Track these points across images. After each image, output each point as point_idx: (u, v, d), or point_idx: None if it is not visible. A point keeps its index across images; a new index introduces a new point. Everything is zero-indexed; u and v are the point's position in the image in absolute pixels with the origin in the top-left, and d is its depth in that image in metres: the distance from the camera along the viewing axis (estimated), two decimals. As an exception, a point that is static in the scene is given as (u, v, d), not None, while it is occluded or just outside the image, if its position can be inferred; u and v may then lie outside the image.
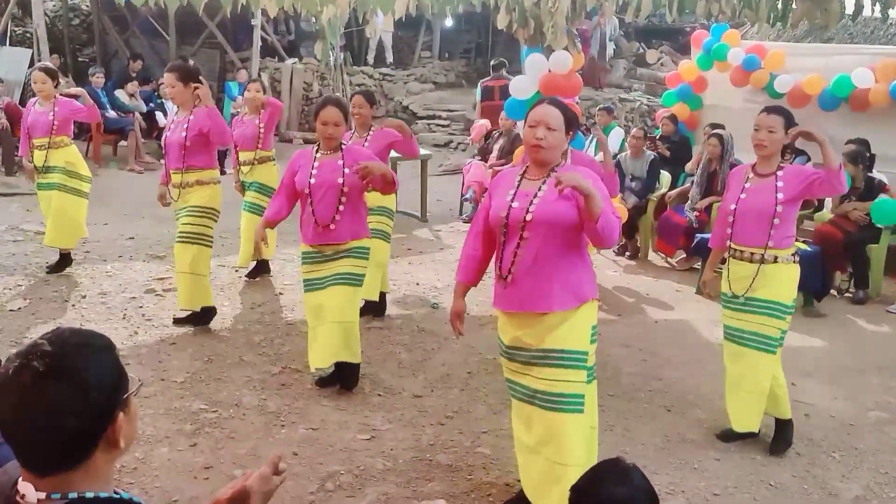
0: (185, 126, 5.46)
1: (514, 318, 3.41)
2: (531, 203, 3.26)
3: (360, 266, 4.72)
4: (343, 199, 4.53)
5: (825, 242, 6.93)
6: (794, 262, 4.21)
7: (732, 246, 4.27)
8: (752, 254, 4.19)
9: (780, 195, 4.09)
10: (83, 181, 6.77)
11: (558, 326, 3.30)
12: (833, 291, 7.16)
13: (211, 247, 5.71)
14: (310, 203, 4.55)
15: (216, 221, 5.69)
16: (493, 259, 3.54)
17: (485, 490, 3.86)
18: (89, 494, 1.37)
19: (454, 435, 4.40)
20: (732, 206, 4.23)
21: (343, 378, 4.84)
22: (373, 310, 6.11)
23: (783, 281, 4.19)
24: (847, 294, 7.27)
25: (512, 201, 3.32)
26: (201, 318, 5.73)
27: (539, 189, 3.29)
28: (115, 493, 1.43)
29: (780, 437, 4.37)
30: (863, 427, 4.72)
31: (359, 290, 4.78)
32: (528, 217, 3.23)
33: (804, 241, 6.86)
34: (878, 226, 7.14)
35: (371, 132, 5.91)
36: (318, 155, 4.62)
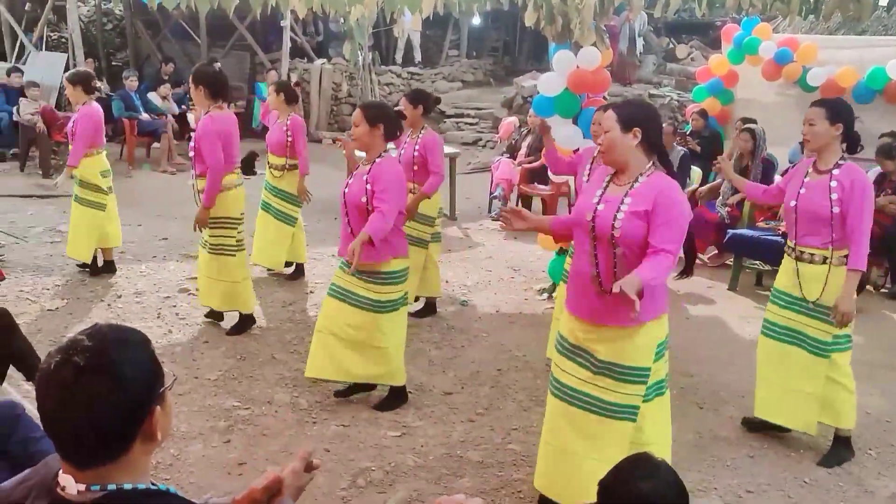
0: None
1: (579, 322, 3.34)
2: (616, 217, 3.15)
3: (397, 291, 4.48)
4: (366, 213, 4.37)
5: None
6: (845, 263, 3.95)
7: (797, 246, 4.07)
8: (812, 255, 4.02)
9: (833, 196, 3.88)
10: (99, 192, 6.71)
11: (629, 341, 3.23)
12: (869, 287, 7.06)
13: (233, 255, 5.59)
14: (346, 215, 4.45)
15: (235, 229, 5.56)
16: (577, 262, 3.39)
17: (515, 486, 3.86)
18: (127, 486, 1.40)
19: (484, 432, 4.41)
20: (793, 203, 4.04)
21: (386, 397, 4.70)
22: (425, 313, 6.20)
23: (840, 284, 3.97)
24: (883, 290, 7.16)
25: (598, 203, 3.23)
26: (246, 322, 5.77)
27: (622, 201, 3.17)
28: (152, 484, 1.46)
29: (833, 450, 4.22)
30: (899, 423, 4.66)
31: (394, 315, 4.52)
32: (616, 233, 3.14)
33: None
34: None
35: (421, 135, 5.78)
36: (361, 166, 4.48)
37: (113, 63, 16.23)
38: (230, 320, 5.81)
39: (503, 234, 9.03)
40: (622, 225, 3.13)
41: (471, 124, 15.47)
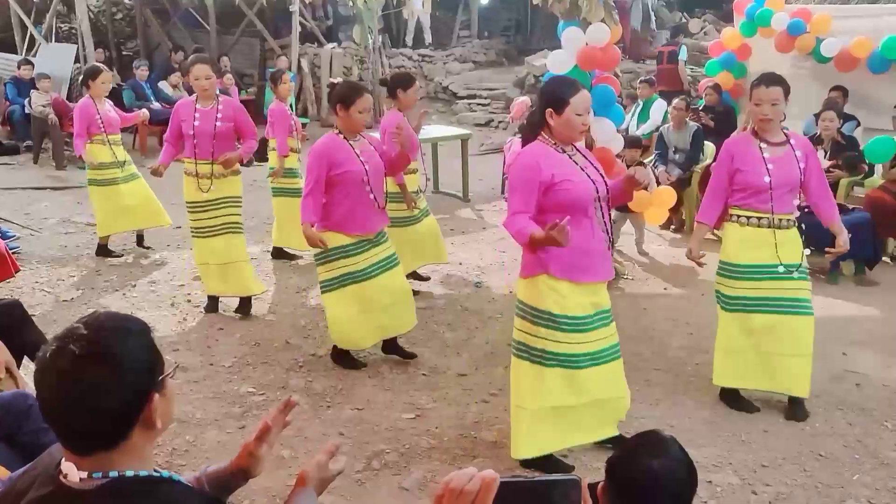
0: (217, 116, 5.47)
1: (592, 287, 3.66)
2: (600, 177, 3.61)
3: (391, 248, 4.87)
4: (384, 180, 4.78)
5: (876, 209, 6.74)
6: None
7: (777, 216, 4.19)
8: (788, 221, 4.24)
9: (801, 164, 4.19)
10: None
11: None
12: (886, 259, 6.99)
13: (243, 233, 5.89)
14: (369, 190, 4.58)
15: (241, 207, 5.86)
16: (584, 237, 3.54)
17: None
18: (129, 473, 1.40)
19: (499, 412, 4.40)
20: (767, 179, 4.14)
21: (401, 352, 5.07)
22: None
23: (799, 242, 4.29)
24: (900, 261, 7.09)
25: (590, 178, 3.56)
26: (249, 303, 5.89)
27: (586, 164, 3.61)
28: (155, 471, 1.46)
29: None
30: (917, 396, 4.62)
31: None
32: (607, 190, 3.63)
33: (853, 208, 6.72)
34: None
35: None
36: (352, 143, 4.61)
37: (123, 53, 16.26)
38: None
39: (516, 215, 9.00)
40: (608, 183, 3.66)
41: (483, 105, 15.39)
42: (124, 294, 6.20)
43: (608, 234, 3.65)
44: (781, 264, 4.19)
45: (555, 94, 3.48)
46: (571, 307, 3.58)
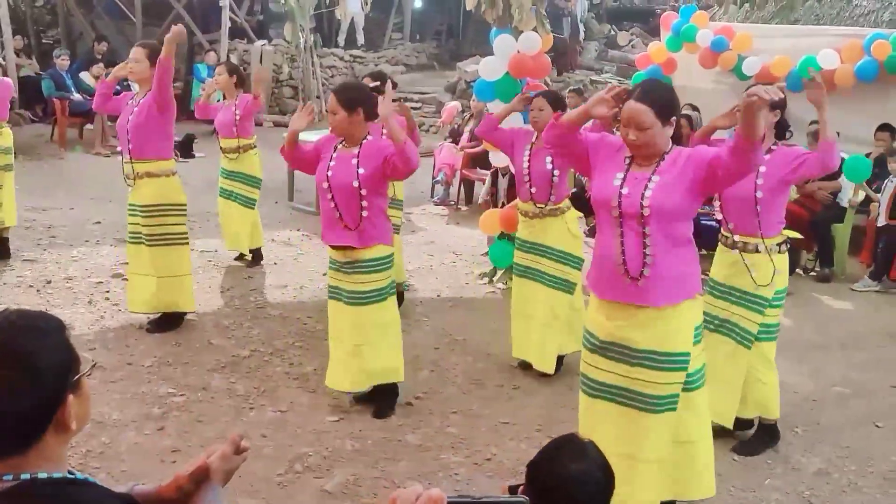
0: (134, 110, 5.03)
1: (619, 310, 3.19)
2: (644, 192, 3.06)
3: (381, 279, 4.27)
4: (364, 204, 4.10)
5: (791, 222, 6.98)
6: (779, 251, 4.00)
7: (722, 232, 4.13)
8: (736, 242, 4.02)
9: (759, 181, 3.86)
10: None
11: (664, 324, 3.14)
12: (799, 270, 7.26)
13: (182, 245, 5.35)
14: (332, 200, 4.14)
15: (183, 216, 5.35)
16: (602, 246, 3.24)
17: (453, 469, 3.89)
18: (42, 475, 1.35)
19: (423, 415, 4.42)
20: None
21: (377, 399, 4.46)
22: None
23: (764, 271, 3.94)
24: (812, 273, 7.37)
25: (621, 187, 3.11)
26: (175, 319, 5.46)
27: (651, 177, 3.09)
28: (70, 472, 1.42)
29: (757, 436, 4.23)
30: (825, 402, 4.81)
31: (384, 304, 4.31)
32: (646, 212, 3.05)
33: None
34: (843, 205, 7.28)
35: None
36: (339, 147, 4.20)
37: (43, 41, 15.70)
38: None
39: (445, 219, 9.05)
40: (652, 200, 3.05)
41: (414, 109, 15.34)
42: (38, 291, 5.99)
43: (644, 255, 3.10)
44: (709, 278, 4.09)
45: None
46: (591, 323, 3.32)
